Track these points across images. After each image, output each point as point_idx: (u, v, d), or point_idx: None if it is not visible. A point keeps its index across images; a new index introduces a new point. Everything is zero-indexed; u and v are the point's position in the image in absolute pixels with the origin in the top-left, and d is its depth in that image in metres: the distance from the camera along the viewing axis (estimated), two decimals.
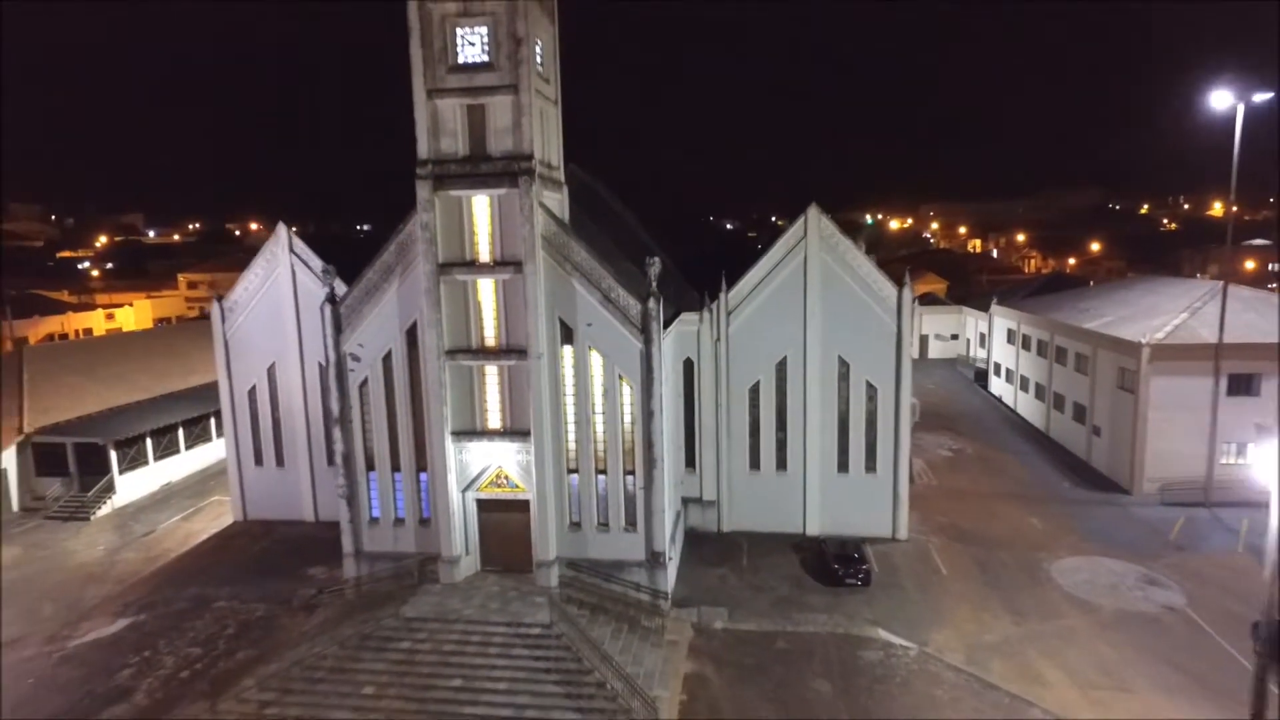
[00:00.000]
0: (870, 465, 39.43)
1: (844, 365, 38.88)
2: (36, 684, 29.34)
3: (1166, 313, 47.73)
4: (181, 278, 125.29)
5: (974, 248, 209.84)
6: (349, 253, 41.62)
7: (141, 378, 57.48)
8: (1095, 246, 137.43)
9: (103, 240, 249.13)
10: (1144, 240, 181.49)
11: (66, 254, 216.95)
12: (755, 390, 39.74)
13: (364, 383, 34.09)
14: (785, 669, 29.00)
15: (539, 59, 31.93)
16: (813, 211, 38.16)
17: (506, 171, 30.81)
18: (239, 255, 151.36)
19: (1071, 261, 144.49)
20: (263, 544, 41.31)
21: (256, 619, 33.35)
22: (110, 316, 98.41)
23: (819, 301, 38.34)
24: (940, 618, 32.29)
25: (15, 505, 46.51)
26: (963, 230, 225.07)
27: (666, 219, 65.68)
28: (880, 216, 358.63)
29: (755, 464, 40.23)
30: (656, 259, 31.87)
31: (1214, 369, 42.49)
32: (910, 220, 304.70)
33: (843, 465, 39.65)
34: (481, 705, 26.67)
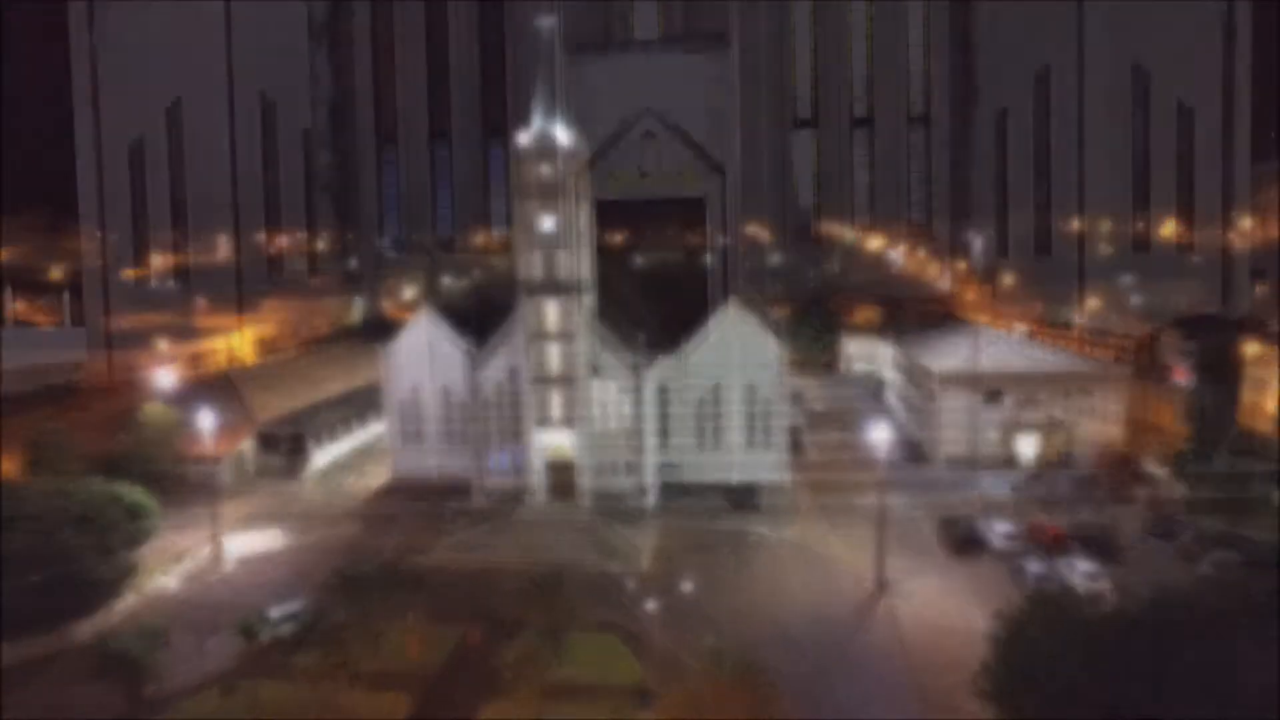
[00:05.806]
0: (767, 444, 68.55)
1: (751, 389, 67.99)
2: (342, 547, 58.14)
3: (963, 351, 76.84)
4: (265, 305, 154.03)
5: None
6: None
7: (300, 388, 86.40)
8: (1009, 279, 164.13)
9: (155, 261, 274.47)
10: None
11: (131, 274, 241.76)
12: (701, 402, 68.82)
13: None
14: (706, 542, 58.22)
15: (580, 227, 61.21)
16: (733, 302, 67.48)
17: (565, 289, 60.05)
18: (303, 287, 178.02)
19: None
20: (414, 489, 70.31)
21: (430, 522, 62.44)
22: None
23: (737, 351, 67.46)
24: (793, 522, 61.51)
25: (252, 470, 75.63)
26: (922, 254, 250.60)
27: (653, 281, 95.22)
28: (864, 233, 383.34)
29: (702, 443, 69.35)
30: (643, 334, 61.35)
31: (972, 388, 71.65)
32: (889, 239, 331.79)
33: (751, 444, 68.76)
34: (558, 551, 55.80)
